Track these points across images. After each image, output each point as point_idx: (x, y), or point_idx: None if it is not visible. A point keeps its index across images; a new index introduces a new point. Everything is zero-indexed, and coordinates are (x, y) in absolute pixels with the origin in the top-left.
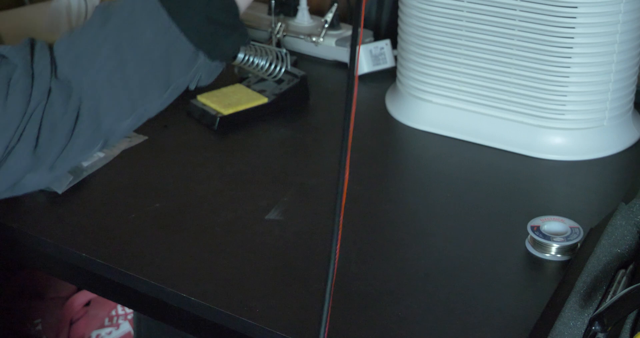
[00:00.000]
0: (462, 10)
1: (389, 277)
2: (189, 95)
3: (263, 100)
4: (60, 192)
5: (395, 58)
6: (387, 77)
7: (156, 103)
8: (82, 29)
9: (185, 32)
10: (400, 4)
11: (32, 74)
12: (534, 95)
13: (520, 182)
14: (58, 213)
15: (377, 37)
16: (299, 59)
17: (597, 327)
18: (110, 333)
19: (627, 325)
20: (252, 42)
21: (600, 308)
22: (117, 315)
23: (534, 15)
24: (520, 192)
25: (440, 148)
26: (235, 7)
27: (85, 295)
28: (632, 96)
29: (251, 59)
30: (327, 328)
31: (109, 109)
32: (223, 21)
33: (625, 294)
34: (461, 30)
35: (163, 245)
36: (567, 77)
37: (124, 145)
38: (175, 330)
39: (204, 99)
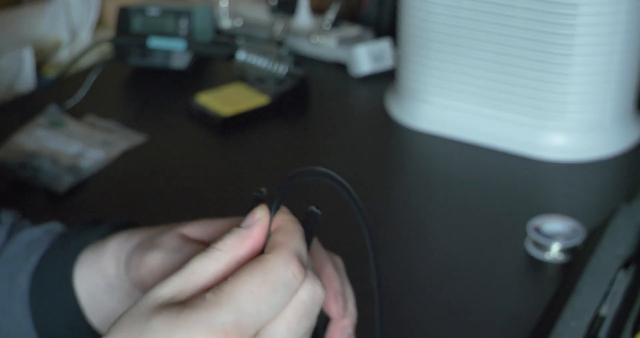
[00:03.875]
0: (463, 10)
1: (388, 277)
2: (188, 95)
3: (263, 100)
4: (60, 192)
5: (396, 58)
6: (387, 77)
7: None
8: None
9: None
10: (400, 4)
11: None
12: (535, 95)
13: (521, 182)
14: (58, 213)
15: (378, 37)
16: (300, 59)
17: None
18: None
19: (628, 325)
20: (252, 43)
21: None
22: None
23: (535, 15)
24: (520, 192)
25: (441, 148)
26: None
27: None
28: (633, 96)
29: (252, 59)
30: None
31: None
32: None
33: None
34: (462, 30)
35: None
36: (568, 76)
37: (124, 145)
38: None
39: (204, 99)
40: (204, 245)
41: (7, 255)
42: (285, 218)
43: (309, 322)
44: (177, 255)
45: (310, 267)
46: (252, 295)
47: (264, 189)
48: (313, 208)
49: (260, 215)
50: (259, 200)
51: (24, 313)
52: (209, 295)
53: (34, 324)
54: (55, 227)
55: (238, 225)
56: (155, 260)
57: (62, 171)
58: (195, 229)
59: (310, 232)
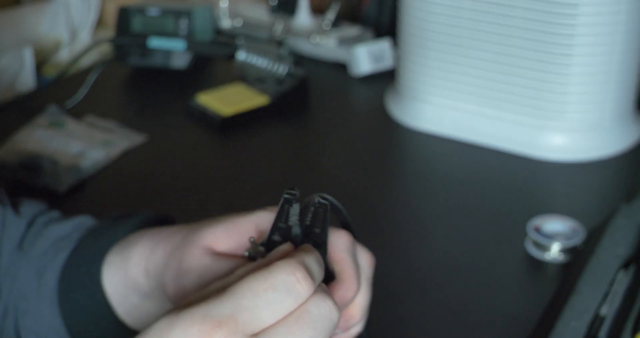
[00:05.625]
0: (463, 10)
1: (389, 276)
2: (189, 94)
3: (263, 100)
4: (60, 191)
5: (396, 58)
6: (387, 77)
7: None
8: None
9: None
10: (400, 4)
11: None
12: (535, 95)
13: (521, 182)
14: None
15: (378, 37)
16: (300, 59)
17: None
18: None
19: (628, 325)
20: (252, 43)
21: None
22: None
23: (535, 15)
24: (520, 192)
25: (441, 148)
26: None
27: None
28: (633, 96)
29: (252, 59)
30: None
31: None
32: None
33: None
34: (461, 30)
35: None
36: (568, 77)
37: (124, 145)
38: None
39: (204, 99)
40: (234, 260)
41: (35, 253)
42: (305, 246)
43: (316, 335)
44: (210, 278)
45: (323, 287)
46: (250, 291)
47: (296, 192)
48: (319, 198)
49: (283, 248)
50: (289, 202)
51: (53, 314)
52: (213, 293)
53: (65, 325)
54: (84, 221)
55: (260, 229)
56: (191, 286)
57: (63, 171)
58: (219, 238)
59: (323, 221)
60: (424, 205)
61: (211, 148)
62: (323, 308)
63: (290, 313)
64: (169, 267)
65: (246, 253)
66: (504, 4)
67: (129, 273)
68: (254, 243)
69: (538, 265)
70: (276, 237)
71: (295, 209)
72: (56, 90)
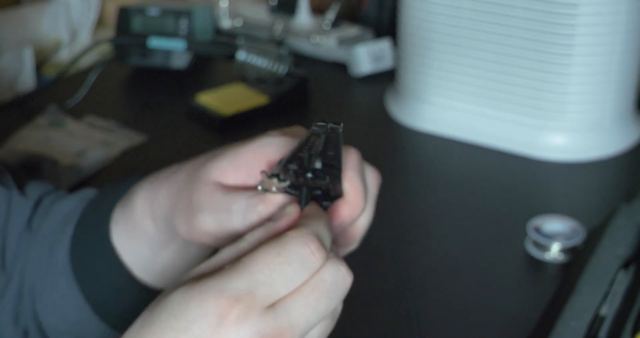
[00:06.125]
0: (463, 10)
1: (389, 276)
2: (188, 94)
3: (263, 100)
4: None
5: (396, 58)
6: (387, 77)
7: None
8: None
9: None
10: (400, 4)
11: None
12: (535, 95)
13: (521, 182)
14: None
15: (378, 37)
16: (300, 59)
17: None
18: None
19: (628, 325)
20: (252, 43)
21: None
22: None
23: (535, 15)
24: (520, 192)
25: (441, 148)
26: None
27: None
28: (634, 96)
29: (252, 59)
30: None
31: None
32: None
33: None
34: (462, 30)
35: None
36: (568, 77)
37: (124, 145)
38: None
39: (204, 99)
40: (246, 192)
41: (45, 231)
42: (312, 208)
43: (331, 303)
44: (225, 213)
45: (335, 252)
46: (266, 265)
47: (329, 124)
48: (331, 124)
49: (289, 211)
50: (316, 134)
51: (69, 285)
52: (227, 266)
53: (82, 293)
54: (88, 194)
55: (267, 168)
56: (206, 223)
57: (63, 171)
58: (226, 172)
59: (337, 144)
60: (424, 205)
61: (211, 148)
62: (337, 276)
63: (305, 283)
64: (177, 207)
65: (259, 188)
66: (504, 4)
67: (136, 222)
68: (266, 175)
69: (538, 265)
70: (293, 166)
71: (320, 141)
72: (56, 90)
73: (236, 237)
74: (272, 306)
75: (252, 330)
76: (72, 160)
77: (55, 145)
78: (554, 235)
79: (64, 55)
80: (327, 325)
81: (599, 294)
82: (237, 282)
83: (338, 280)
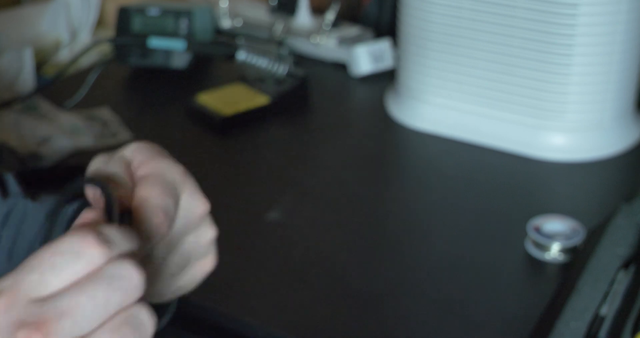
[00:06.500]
0: (463, 10)
1: (389, 276)
2: (188, 94)
3: (263, 100)
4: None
5: (395, 58)
6: (387, 77)
7: None
8: None
9: None
10: (400, 4)
11: None
12: (535, 95)
13: (521, 182)
14: None
15: (378, 37)
16: (300, 59)
17: None
18: None
19: (628, 325)
20: (252, 43)
21: None
22: None
23: (535, 15)
24: (520, 192)
25: (440, 148)
26: None
27: None
28: (633, 96)
29: (252, 59)
30: None
31: None
32: None
33: None
34: (461, 30)
35: None
36: (568, 76)
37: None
38: (174, 330)
39: (204, 99)
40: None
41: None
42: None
43: (113, 294)
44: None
45: (130, 255)
46: (34, 258)
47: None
48: (91, 185)
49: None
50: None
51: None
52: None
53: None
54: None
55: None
56: None
57: (21, 159)
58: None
59: (109, 205)
60: (424, 205)
61: (211, 148)
62: (121, 268)
63: (85, 276)
64: None
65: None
66: (504, 4)
67: None
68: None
69: (538, 265)
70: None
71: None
72: (56, 90)
73: None
74: (44, 299)
75: (12, 319)
76: (33, 148)
77: (23, 130)
78: (554, 235)
79: (64, 55)
80: (124, 334)
81: (599, 294)
82: (6, 278)
83: (122, 272)
